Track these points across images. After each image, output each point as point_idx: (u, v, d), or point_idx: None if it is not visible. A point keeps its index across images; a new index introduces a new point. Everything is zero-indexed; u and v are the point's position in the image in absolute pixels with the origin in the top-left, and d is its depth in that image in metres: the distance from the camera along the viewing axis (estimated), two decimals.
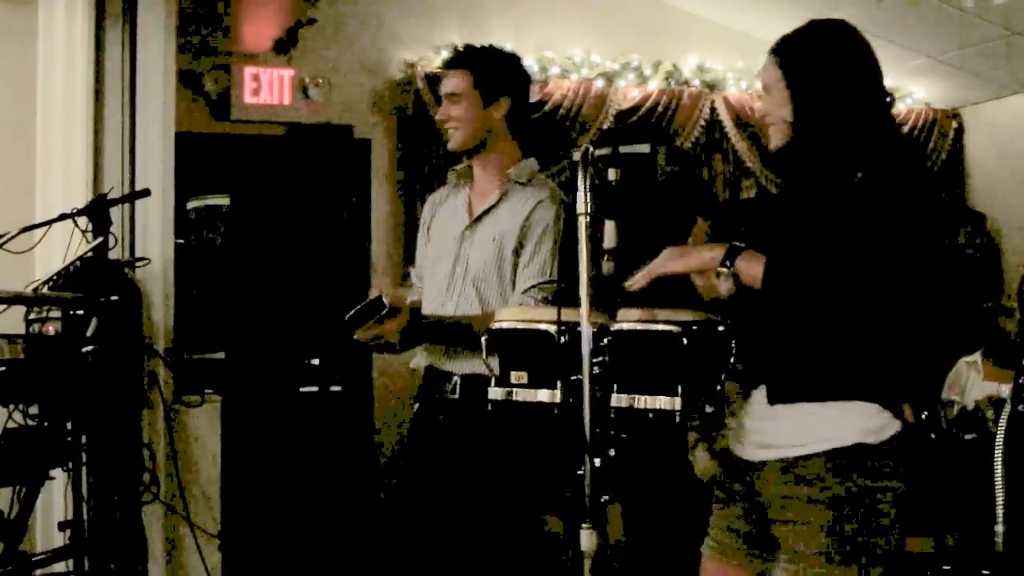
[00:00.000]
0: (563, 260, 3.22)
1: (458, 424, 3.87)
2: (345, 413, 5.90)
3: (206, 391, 5.30)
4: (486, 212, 3.97)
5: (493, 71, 4.00)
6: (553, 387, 2.99)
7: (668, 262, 2.85)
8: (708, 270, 2.81)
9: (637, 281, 2.91)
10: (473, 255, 3.93)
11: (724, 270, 2.73)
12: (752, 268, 2.72)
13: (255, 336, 5.26)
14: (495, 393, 3.10)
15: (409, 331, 3.77)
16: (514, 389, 3.07)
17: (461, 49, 4.15)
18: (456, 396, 3.89)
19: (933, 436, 4.61)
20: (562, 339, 2.96)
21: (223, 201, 6.65)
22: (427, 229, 4.22)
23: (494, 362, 3.10)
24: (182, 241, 5.49)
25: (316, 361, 5.28)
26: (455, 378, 3.89)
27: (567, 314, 2.93)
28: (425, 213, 4.26)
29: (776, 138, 2.94)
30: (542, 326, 3.03)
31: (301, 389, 5.72)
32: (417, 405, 4.10)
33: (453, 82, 3.96)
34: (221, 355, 5.66)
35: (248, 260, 6.54)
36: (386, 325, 3.73)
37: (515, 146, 4.05)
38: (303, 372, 5.84)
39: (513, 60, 4.10)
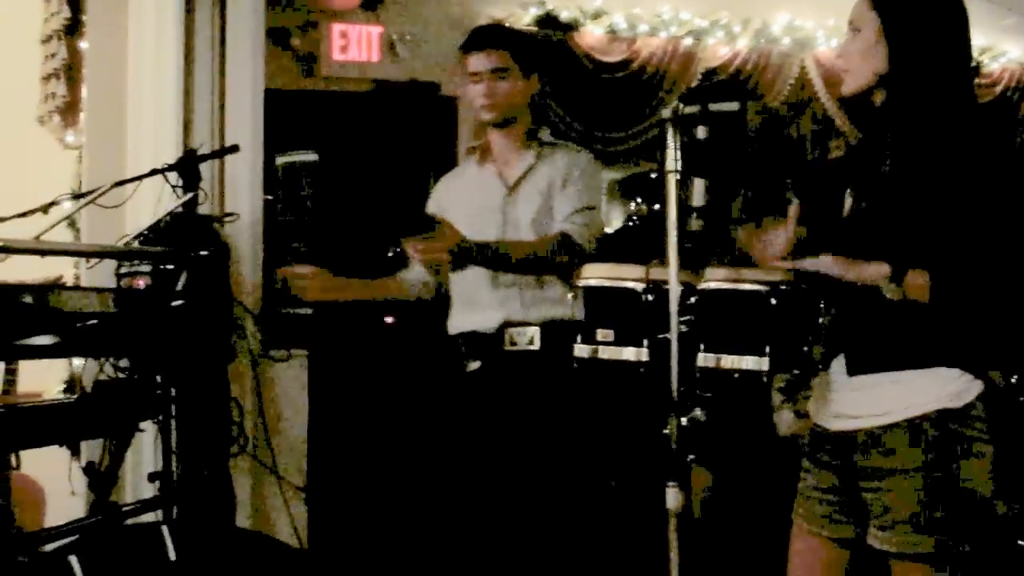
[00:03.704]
0: (648, 217, 3.22)
1: (542, 375, 3.87)
2: (431, 368, 5.91)
3: (293, 346, 5.34)
4: (524, 176, 4.05)
5: (526, 49, 4.17)
6: (639, 345, 2.99)
7: (832, 269, 2.80)
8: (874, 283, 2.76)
9: (791, 266, 2.88)
10: (522, 214, 4.00)
11: (893, 286, 2.69)
12: (919, 283, 2.68)
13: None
14: (581, 350, 3.10)
15: (461, 253, 3.78)
16: (600, 346, 3.08)
17: (488, 29, 4.25)
18: (536, 347, 3.89)
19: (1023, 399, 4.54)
20: (648, 297, 2.96)
21: (311, 157, 6.68)
22: (444, 211, 4.24)
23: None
24: (271, 197, 5.51)
25: (390, 320, 5.30)
26: (533, 328, 3.90)
27: (654, 272, 2.92)
28: (440, 197, 4.30)
29: (851, 83, 2.89)
30: (628, 284, 3.03)
31: (387, 344, 5.74)
32: (478, 363, 4.08)
33: (495, 58, 4.06)
34: (308, 310, 5.69)
35: (335, 216, 6.57)
36: (438, 242, 3.73)
37: (530, 119, 4.18)
38: (389, 328, 5.86)
39: (536, 40, 4.23)
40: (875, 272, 2.71)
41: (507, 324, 3.97)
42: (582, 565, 3.88)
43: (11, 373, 4.68)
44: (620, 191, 7.58)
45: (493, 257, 3.89)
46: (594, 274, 3.17)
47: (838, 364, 2.86)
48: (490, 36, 4.17)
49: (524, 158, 4.09)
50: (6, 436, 3.61)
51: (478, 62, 4.08)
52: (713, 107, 2.97)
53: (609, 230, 7.68)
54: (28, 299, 3.46)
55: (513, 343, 3.93)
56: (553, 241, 3.84)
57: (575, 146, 4.20)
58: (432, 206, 4.30)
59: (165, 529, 4.08)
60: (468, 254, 3.80)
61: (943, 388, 2.68)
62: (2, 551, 3.75)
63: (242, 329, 4.97)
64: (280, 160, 6.32)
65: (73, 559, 3.75)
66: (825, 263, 2.76)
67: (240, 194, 5.18)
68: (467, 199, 4.19)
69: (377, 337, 5.86)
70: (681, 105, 2.99)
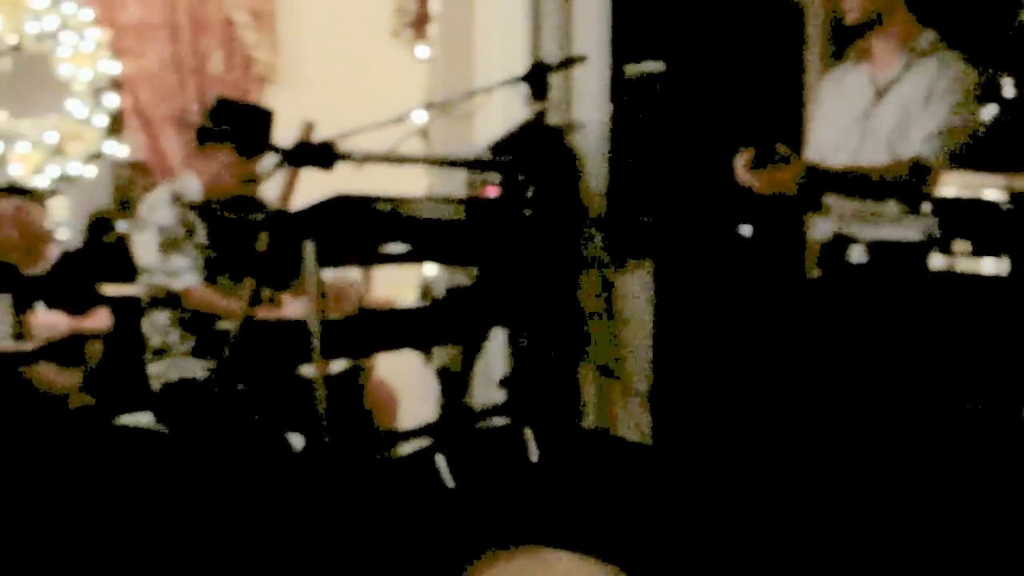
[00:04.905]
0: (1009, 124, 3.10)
1: (865, 294, 3.78)
2: (776, 280, 5.85)
3: (640, 255, 5.36)
4: (893, 82, 3.88)
5: None
6: (998, 257, 2.90)
7: None
8: None
9: None
10: (880, 125, 3.85)
11: None
12: None
13: (687, 202, 5.25)
14: (936, 262, 3.02)
15: (808, 184, 3.72)
16: (956, 259, 2.99)
17: None
18: (864, 262, 3.80)
19: None
20: (1010, 208, 2.86)
21: (657, 67, 6.65)
22: (823, 109, 4.14)
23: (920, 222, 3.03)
24: (616, 106, 5.52)
25: (747, 230, 5.22)
26: (862, 245, 3.80)
27: (1016, 182, 2.82)
28: (822, 92, 4.20)
29: None
30: (989, 194, 2.92)
31: (733, 257, 5.70)
32: (818, 272, 4.04)
33: None
34: (653, 219, 5.70)
35: (681, 127, 6.54)
36: (781, 172, 3.70)
37: (913, 19, 3.96)
38: (734, 240, 5.82)
39: None
40: None
41: (839, 236, 3.90)
42: (923, 484, 3.79)
43: (366, 280, 4.87)
44: (976, 99, 7.28)
45: (839, 185, 3.81)
46: (952, 183, 3.07)
47: None
48: None
49: (896, 62, 3.93)
50: (363, 340, 3.76)
51: None
52: None
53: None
54: (384, 207, 3.58)
55: (846, 257, 3.85)
56: (904, 169, 3.70)
57: (952, 54, 3.91)
58: (820, 98, 4.23)
59: (527, 431, 4.16)
60: (815, 184, 3.75)
61: None
62: (362, 451, 3.93)
63: (589, 237, 5.01)
64: (627, 69, 6.31)
65: (440, 457, 3.88)
66: None
67: (587, 104, 5.21)
68: (836, 101, 4.09)
69: (725, 246, 5.82)
70: None
